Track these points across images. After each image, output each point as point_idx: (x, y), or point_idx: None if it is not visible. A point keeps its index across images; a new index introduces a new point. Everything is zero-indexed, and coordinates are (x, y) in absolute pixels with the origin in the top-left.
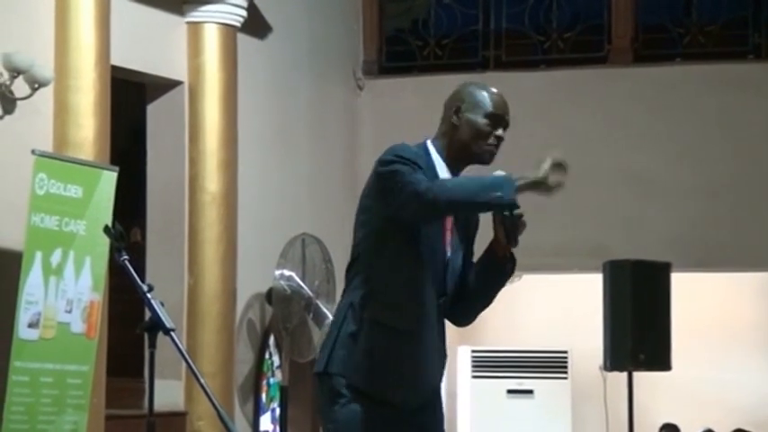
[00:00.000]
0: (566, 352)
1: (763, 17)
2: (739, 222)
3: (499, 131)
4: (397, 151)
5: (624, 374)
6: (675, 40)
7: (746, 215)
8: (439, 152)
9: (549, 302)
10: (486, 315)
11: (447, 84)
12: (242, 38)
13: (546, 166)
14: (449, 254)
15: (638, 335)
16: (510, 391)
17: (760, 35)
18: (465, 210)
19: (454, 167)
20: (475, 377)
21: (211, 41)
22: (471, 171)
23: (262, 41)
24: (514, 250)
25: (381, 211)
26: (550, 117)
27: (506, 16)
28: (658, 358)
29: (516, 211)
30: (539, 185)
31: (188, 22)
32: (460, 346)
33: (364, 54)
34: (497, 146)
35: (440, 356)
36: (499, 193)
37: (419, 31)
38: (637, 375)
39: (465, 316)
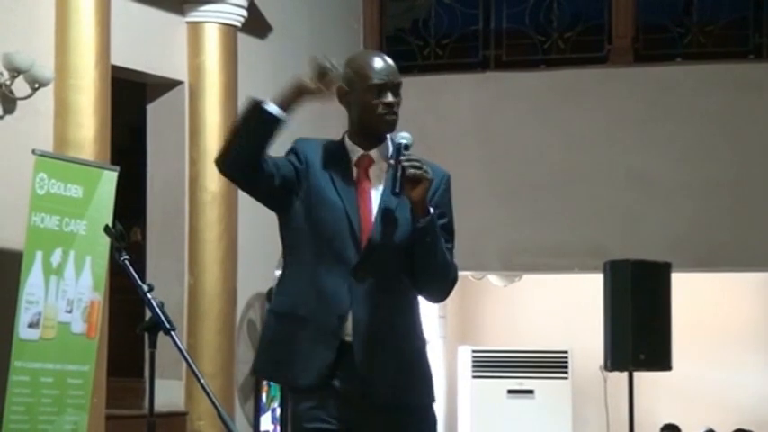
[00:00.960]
0: (566, 352)
1: (764, 17)
2: (740, 222)
3: (387, 98)
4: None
5: (624, 374)
6: (676, 40)
7: (747, 215)
8: (351, 139)
9: (550, 302)
10: (487, 315)
11: (448, 83)
12: (242, 37)
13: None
14: (372, 221)
15: (639, 335)
16: (510, 391)
17: (760, 35)
18: (242, 150)
19: (362, 144)
20: (475, 377)
21: (212, 41)
22: None
23: (262, 41)
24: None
25: None
26: (551, 117)
27: (507, 16)
28: (659, 358)
29: (406, 163)
30: (300, 90)
31: (188, 22)
32: (461, 346)
33: None
34: (391, 111)
35: (372, 335)
36: (250, 114)
37: (419, 30)
38: (637, 375)
39: (424, 290)
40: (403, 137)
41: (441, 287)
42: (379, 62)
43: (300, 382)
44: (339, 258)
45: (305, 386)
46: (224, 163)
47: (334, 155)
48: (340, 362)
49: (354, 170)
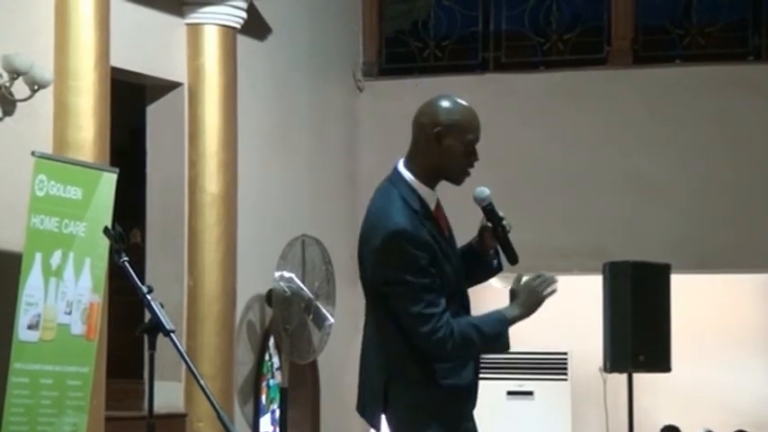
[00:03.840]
0: (566, 353)
1: (763, 19)
2: (739, 224)
3: (476, 157)
4: (401, 256)
5: (624, 376)
6: (675, 41)
7: (746, 216)
8: (413, 172)
9: (549, 304)
10: None
11: (447, 85)
12: (242, 39)
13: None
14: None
15: (638, 336)
16: (510, 393)
17: (760, 36)
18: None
19: (429, 184)
20: None
21: (211, 43)
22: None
23: (261, 43)
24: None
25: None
26: (550, 119)
27: (506, 18)
28: (658, 360)
29: (507, 226)
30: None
31: (188, 24)
32: None
33: (364, 55)
34: (472, 168)
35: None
36: (499, 348)
37: (419, 32)
38: (637, 377)
39: None
40: (487, 198)
41: None
42: (475, 118)
43: None
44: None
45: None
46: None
47: (424, 217)
48: None
49: (438, 219)
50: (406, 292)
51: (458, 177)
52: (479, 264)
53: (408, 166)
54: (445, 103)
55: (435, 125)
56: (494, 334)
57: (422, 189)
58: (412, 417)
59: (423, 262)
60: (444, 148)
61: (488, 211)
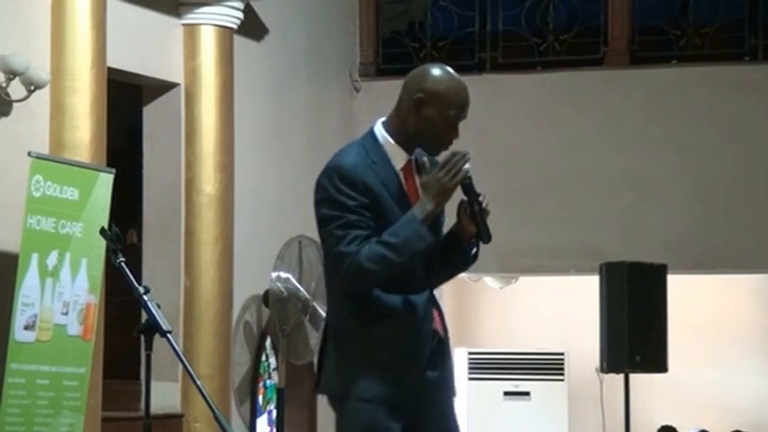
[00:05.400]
0: (562, 354)
1: (760, 19)
2: (736, 224)
3: (455, 132)
4: (330, 189)
5: (621, 376)
6: (672, 42)
7: (743, 217)
8: (390, 134)
9: (546, 304)
10: (483, 317)
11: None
12: (238, 40)
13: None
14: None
15: (635, 337)
16: (506, 393)
17: (756, 37)
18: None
19: (406, 148)
20: (471, 379)
21: (208, 43)
22: None
23: (258, 43)
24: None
25: None
26: (547, 119)
27: (503, 18)
28: (655, 360)
29: (484, 204)
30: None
31: (184, 24)
32: (457, 348)
33: (361, 56)
34: (450, 143)
35: None
36: (420, 244)
37: (416, 32)
38: (633, 377)
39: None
40: (466, 170)
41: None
42: (463, 93)
43: None
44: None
45: None
46: (368, 284)
47: (381, 166)
48: None
49: (402, 179)
50: (329, 227)
51: (432, 149)
52: (457, 251)
53: (386, 124)
54: (436, 71)
55: (419, 90)
56: (405, 238)
57: (389, 145)
58: (328, 366)
59: (351, 202)
60: (423, 117)
61: (466, 185)
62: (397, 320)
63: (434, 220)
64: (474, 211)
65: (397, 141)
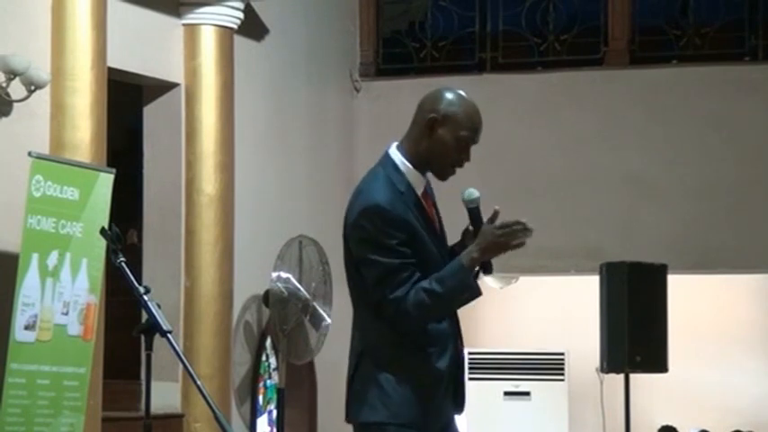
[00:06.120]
0: (562, 354)
1: (760, 19)
2: (736, 224)
3: (466, 157)
4: (372, 231)
5: (621, 376)
6: (672, 42)
7: (743, 217)
8: (405, 157)
9: (546, 304)
10: (483, 317)
11: (444, 86)
12: (238, 40)
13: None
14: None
15: (635, 337)
16: (507, 393)
17: (756, 37)
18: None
19: (421, 172)
20: (471, 379)
21: (208, 43)
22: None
23: (258, 43)
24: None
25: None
26: (547, 119)
27: (503, 18)
28: (655, 360)
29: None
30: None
31: (184, 24)
32: None
33: (361, 56)
34: (460, 167)
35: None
36: (467, 295)
37: (416, 32)
38: (633, 377)
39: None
40: (475, 200)
41: None
42: (477, 116)
43: None
44: None
45: None
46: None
47: (408, 196)
48: None
49: (424, 205)
50: (374, 272)
51: (442, 171)
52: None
53: (401, 148)
54: (450, 95)
55: (432, 111)
56: (451, 289)
57: (409, 172)
58: (368, 394)
59: (393, 241)
60: (436, 138)
61: (473, 213)
62: (434, 347)
63: (443, 230)
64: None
65: (414, 166)
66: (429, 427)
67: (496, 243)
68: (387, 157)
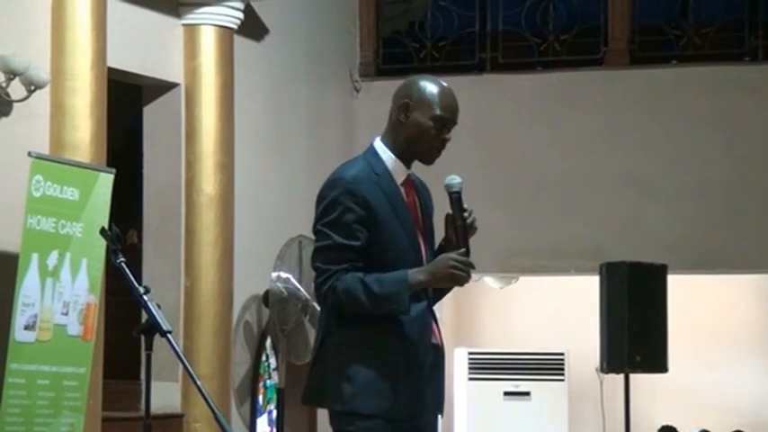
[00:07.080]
0: (562, 354)
1: (760, 19)
2: (736, 224)
3: (445, 134)
4: (329, 201)
5: (621, 376)
6: (672, 42)
7: (743, 217)
8: (389, 148)
9: (546, 304)
10: (483, 317)
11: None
12: (238, 40)
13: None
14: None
15: (635, 337)
16: (506, 394)
17: (756, 37)
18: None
19: (404, 162)
20: (471, 379)
21: (208, 43)
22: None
23: (258, 43)
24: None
25: None
26: (547, 119)
27: (503, 18)
28: (655, 360)
29: (468, 219)
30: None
31: (184, 24)
32: (457, 349)
33: (361, 56)
34: (441, 148)
35: None
36: (394, 308)
37: (416, 33)
38: (633, 377)
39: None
40: (456, 185)
41: None
42: (450, 97)
43: None
44: None
45: None
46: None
47: (384, 179)
48: None
49: (403, 192)
50: (318, 243)
51: (425, 155)
52: None
53: (383, 140)
54: (422, 81)
55: (404, 97)
56: (385, 294)
57: (389, 159)
58: (341, 353)
59: (350, 216)
60: (411, 122)
61: (454, 199)
62: (398, 332)
63: (427, 228)
64: (457, 227)
65: (396, 155)
66: (403, 419)
67: (449, 274)
68: (370, 146)
